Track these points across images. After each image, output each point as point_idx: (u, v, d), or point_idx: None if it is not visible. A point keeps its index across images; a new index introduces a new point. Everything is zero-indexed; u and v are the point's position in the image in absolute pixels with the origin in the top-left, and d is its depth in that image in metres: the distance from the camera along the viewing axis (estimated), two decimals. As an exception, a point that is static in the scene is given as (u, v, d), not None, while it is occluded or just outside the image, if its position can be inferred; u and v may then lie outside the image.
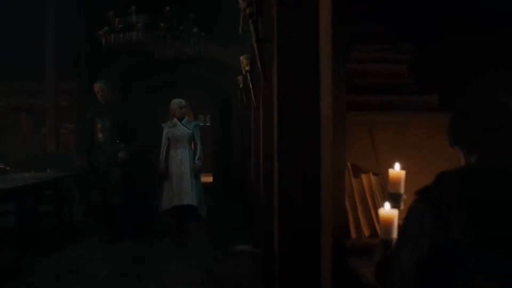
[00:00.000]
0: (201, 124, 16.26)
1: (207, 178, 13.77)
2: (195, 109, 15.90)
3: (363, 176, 2.47)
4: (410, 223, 1.44)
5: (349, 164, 2.45)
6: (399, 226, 1.64)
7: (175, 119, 6.87)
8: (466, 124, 1.57)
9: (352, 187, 2.44)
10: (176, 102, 6.92)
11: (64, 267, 5.22)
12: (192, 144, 6.98)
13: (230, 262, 5.46)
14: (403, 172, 2.28)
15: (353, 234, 2.37)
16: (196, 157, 6.85)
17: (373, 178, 2.46)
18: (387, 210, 2.07)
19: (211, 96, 13.18)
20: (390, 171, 2.33)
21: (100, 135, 6.72)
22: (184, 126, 6.89)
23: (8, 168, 7.01)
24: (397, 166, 2.30)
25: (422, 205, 1.40)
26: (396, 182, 2.28)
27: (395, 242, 1.56)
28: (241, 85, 7.13)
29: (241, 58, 4.85)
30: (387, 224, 1.94)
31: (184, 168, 6.69)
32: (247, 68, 4.80)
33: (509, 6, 2.18)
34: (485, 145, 1.49)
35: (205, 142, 13.84)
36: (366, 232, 2.37)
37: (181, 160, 6.73)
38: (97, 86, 6.80)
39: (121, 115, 6.85)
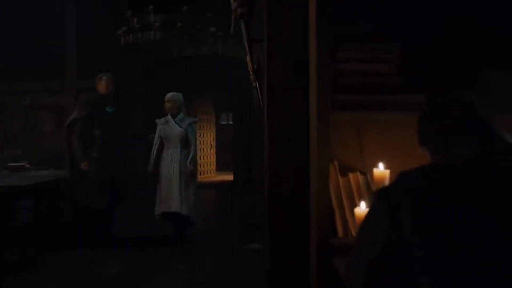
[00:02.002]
0: (224, 123, 16.47)
1: (228, 177, 13.84)
2: (218, 108, 16.03)
3: (351, 175, 2.47)
4: (367, 221, 1.45)
5: (336, 163, 2.46)
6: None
7: (169, 116, 6.26)
8: (431, 123, 1.57)
9: (340, 186, 2.45)
10: (166, 96, 6.34)
11: (73, 264, 5.27)
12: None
13: (238, 261, 5.40)
14: (387, 172, 2.28)
15: (340, 233, 2.37)
16: (188, 159, 6.11)
17: (360, 177, 2.46)
18: (362, 209, 2.09)
19: (233, 95, 13.20)
20: (375, 170, 2.34)
21: (101, 131, 5.98)
22: (177, 123, 6.21)
23: (28, 165, 7.13)
24: (381, 165, 2.31)
25: (378, 204, 1.40)
26: (381, 182, 2.29)
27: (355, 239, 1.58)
28: (253, 84, 7.11)
29: (247, 57, 4.84)
30: (363, 223, 1.95)
31: (173, 171, 6.06)
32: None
33: (495, 5, 2.16)
34: (448, 145, 1.49)
35: (228, 140, 14.03)
36: (353, 231, 2.37)
37: (170, 162, 6.10)
38: (107, 78, 6.18)
39: (119, 108, 6.39)
